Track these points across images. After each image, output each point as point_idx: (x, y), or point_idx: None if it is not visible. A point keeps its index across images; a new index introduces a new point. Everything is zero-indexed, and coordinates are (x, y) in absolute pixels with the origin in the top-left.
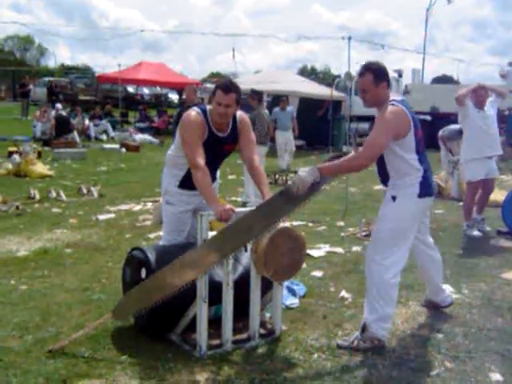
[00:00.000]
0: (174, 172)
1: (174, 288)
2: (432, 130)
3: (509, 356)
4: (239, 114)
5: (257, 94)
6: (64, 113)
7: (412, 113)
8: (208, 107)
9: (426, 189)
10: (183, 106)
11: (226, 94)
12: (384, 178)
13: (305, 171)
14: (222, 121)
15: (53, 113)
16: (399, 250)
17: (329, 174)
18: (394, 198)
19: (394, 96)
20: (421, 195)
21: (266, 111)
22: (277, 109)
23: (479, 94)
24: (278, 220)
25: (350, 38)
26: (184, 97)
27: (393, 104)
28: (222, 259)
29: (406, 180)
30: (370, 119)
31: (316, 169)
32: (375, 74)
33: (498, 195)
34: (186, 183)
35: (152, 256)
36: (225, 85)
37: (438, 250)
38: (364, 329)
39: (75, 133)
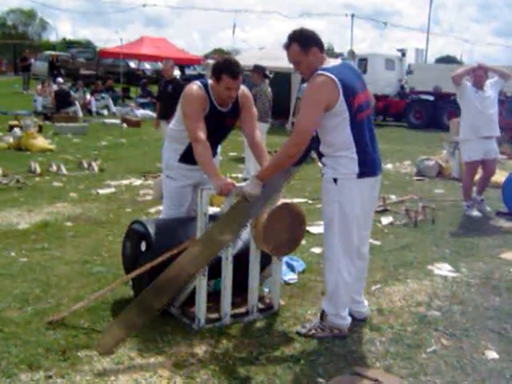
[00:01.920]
0: (175, 146)
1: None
2: (434, 110)
3: (505, 334)
4: (241, 88)
5: (259, 69)
6: (65, 87)
7: (351, 78)
8: (209, 82)
9: (366, 168)
10: (164, 81)
11: (235, 80)
12: (319, 154)
13: (248, 185)
14: (230, 101)
15: (54, 87)
16: (352, 233)
17: (270, 176)
18: (335, 181)
19: (331, 61)
20: (360, 175)
21: (269, 89)
22: (305, 85)
23: (477, 74)
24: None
25: (353, 16)
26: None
27: (319, 74)
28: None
29: (341, 158)
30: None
31: (254, 179)
32: (301, 41)
33: (498, 176)
34: (187, 158)
35: (152, 229)
36: (232, 70)
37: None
38: (323, 317)
39: (78, 106)
